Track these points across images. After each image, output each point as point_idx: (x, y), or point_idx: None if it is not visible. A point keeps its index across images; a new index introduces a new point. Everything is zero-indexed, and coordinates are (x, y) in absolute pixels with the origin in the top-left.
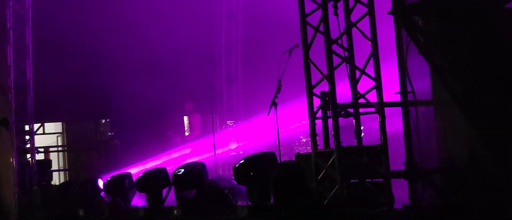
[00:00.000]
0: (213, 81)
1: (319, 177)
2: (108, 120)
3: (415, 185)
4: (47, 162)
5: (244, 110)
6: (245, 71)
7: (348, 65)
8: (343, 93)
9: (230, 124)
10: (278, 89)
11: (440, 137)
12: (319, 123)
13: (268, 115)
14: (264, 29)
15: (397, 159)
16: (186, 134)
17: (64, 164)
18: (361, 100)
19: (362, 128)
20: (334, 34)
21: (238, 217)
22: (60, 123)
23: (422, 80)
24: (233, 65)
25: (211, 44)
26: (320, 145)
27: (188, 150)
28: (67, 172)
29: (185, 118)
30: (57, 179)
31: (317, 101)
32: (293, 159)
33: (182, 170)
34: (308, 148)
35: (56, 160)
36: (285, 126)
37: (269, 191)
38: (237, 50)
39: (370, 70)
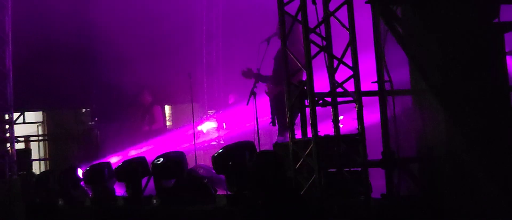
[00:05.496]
0: (193, 70)
1: (297, 166)
2: (88, 109)
3: (392, 174)
4: (27, 151)
5: (224, 99)
6: (225, 61)
7: (326, 54)
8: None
9: (211, 113)
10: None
11: (418, 126)
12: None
13: (247, 104)
14: (244, 18)
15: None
16: (168, 124)
17: (45, 153)
18: (339, 90)
19: (341, 117)
20: (312, 23)
21: (217, 206)
22: (41, 112)
23: (400, 70)
24: (213, 54)
25: (192, 34)
26: (298, 134)
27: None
28: (47, 161)
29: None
30: (37, 168)
31: None
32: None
33: (161, 159)
34: None
35: (36, 149)
36: (266, 115)
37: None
38: (217, 39)
39: (348, 59)
